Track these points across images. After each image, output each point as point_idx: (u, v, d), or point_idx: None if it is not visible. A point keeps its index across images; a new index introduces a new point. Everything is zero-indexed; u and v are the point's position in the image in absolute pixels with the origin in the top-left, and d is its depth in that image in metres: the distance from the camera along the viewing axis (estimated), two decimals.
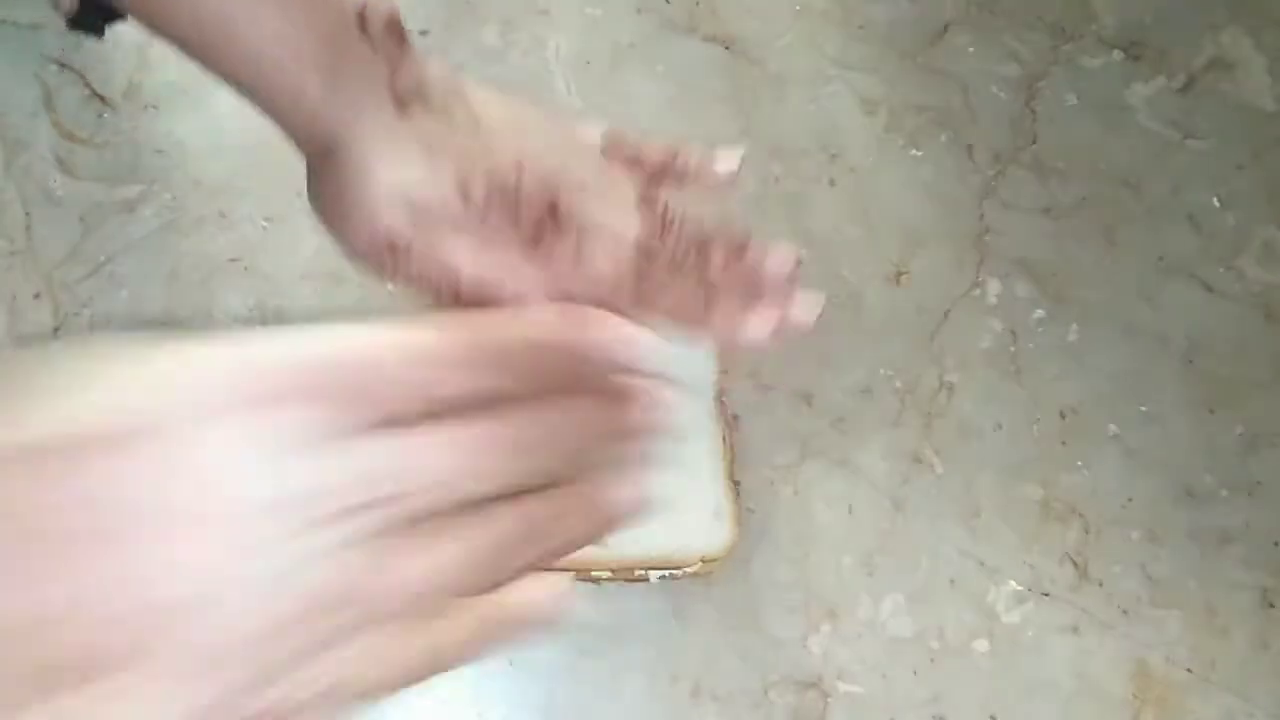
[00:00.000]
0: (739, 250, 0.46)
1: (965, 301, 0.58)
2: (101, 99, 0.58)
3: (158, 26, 0.40)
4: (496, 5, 0.60)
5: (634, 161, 0.48)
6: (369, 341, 0.23)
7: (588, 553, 0.49)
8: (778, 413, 0.54)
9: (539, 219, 0.42)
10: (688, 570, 0.49)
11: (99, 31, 0.38)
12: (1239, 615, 0.53)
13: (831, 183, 0.59)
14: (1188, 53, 0.65)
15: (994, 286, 0.58)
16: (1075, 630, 0.52)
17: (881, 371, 0.56)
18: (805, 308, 0.44)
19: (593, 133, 0.47)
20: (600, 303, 0.42)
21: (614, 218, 0.44)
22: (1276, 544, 0.55)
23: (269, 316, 0.54)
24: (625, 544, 0.48)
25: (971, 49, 0.63)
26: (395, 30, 0.43)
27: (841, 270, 0.57)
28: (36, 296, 0.52)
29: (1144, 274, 0.59)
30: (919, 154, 0.60)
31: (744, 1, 0.62)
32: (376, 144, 0.42)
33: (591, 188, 0.44)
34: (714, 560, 0.48)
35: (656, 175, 0.46)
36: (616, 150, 0.48)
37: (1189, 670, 0.52)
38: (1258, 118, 0.64)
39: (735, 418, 0.53)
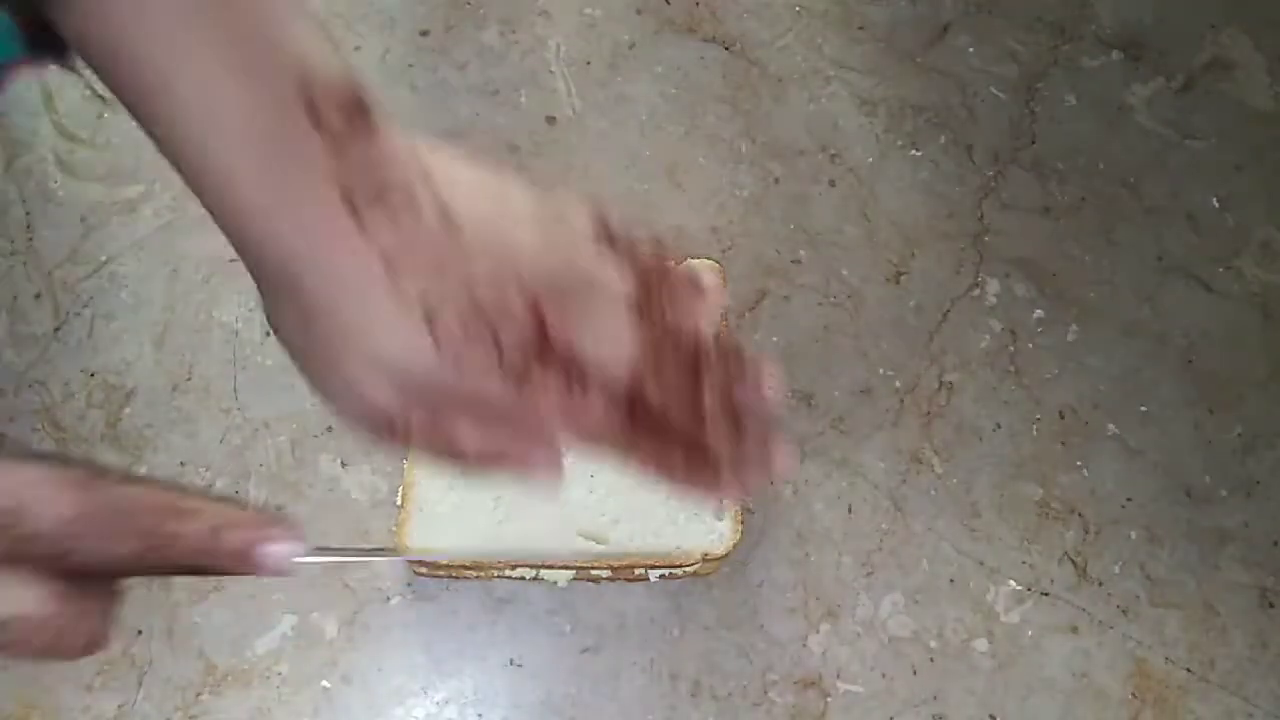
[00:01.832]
0: (731, 381, 0.45)
1: (964, 301, 0.58)
2: (102, 99, 0.58)
3: (95, 65, 0.36)
4: (496, 5, 0.60)
5: (626, 254, 0.45)
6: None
7: (588, 552, 0.49)
8: (778, 413, 0.54)
9: (524, 355, 0.39)
10: (687, 570, 0.49)
11: (62, 54, 0.36)
12: (1238, 615, 0.53)
13: (831, 183, 0.59)
14: (1187, 53, 0.65)
15: (993, 286, 0.58)
16: (1074, 630, 0.52)
17: (881, 371, 0.56)
18: (785, 457, 0.45)
19: (579, 214, 0.44)
20: (586, 447, 0.40)
21: (606, 343, 0.41)
22: (1275, 544, 0.55)
23: None
24: (625, 543, 0.48)
25: (971, 49, 0.63)
26: (349, 106, 0.37)
27: (841, 270, 0.57)
28: (37, 296, 0.52)
29: (1143, 274, 0.59)
30: (918, 154, 0.60)
31: (744, 2, 0.62)
32: (332, 278, 0.36)
33: (580, 303, 0.40)
34: (714, 560, 0.48)
35: (647, 278, 0.43)
36: (603, 234, 0.45)
37: (1188, 670, 0.52)
38: (1257, 118, 0.64)
39: None
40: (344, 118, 0.38)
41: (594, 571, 0.48)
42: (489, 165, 0.44)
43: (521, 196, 0.43)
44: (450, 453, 0.39)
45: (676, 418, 0.44)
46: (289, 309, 0.39)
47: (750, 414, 0.46)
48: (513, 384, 0.39)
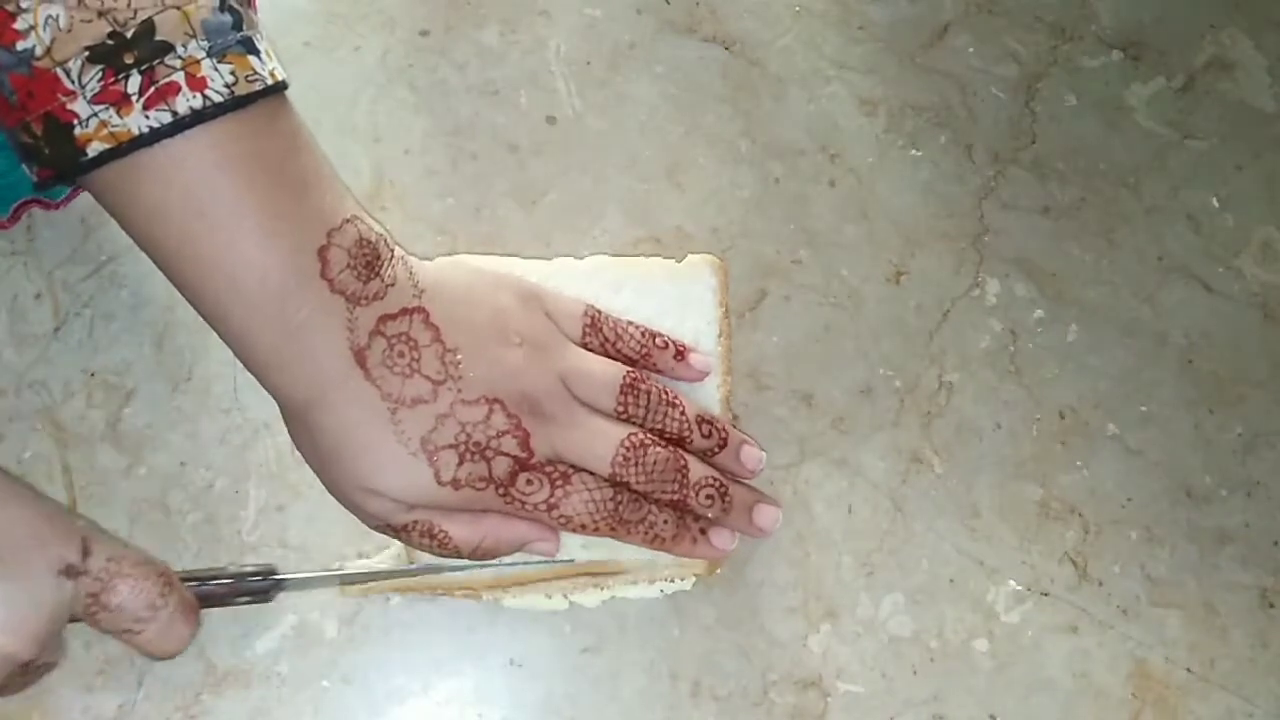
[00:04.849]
0: (713, 450, 0.47)
1: (964, 301, 0.58)
2: None
3: (118, 218, 0.37)
4: (496, 5, 0.60)
5: (612, 345, 0.46)
6: None
7: (579, 576, 0.48)
8: (778, 413, 0.54)
9: (512, 470, 0.41)
10: (685, 585, 0.48)
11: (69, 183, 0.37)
12: (1238, 615, 0.53)
13: (831, 183, 0.59)
14: (1187, 53, 0.65)
15: (993, 286, 0.58)
16: (1075, 630, 0.52)
17: (881, 371, 0.56)
18: (766, 519, 0.46)
19: (568, 313, 0.46)
20: (575, 531, 0.43)
21: (587, 449, 0.42)
22: (1276, 544, 0.55)
23: None
24: (622, 557, 0.47)
25: (971, 49, 0.63)
26: (361, 262, 0.38)
27: (841, 270, 0.57)
28: (37, 297, 0.52)
29: (1143, 274, 0.60)
30: (918, 154, 0.60)
31: (744, 2, 0.62)
32: (341, 423, 0.38)
33: (563, 415, 0.42)
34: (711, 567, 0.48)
35: (634, 373, 0.45)
36: (595, 332, 0.46)
37: (1188, 670, 0.52)
38: (1258, 118, 0.64)
39: (735, 418, 0.53)
40: (356, 276, 0.39)
41: (588, 597, 0.48)
42: (486, 271, 0.45)
43: (514, 305, 0.44)
44: (444, 549, 0.41)
45: (660, 496, 0.45)
46: (302, 433, 0.41)
47: (732, 479, 0.48)
48: (502, 491, 0.41)
